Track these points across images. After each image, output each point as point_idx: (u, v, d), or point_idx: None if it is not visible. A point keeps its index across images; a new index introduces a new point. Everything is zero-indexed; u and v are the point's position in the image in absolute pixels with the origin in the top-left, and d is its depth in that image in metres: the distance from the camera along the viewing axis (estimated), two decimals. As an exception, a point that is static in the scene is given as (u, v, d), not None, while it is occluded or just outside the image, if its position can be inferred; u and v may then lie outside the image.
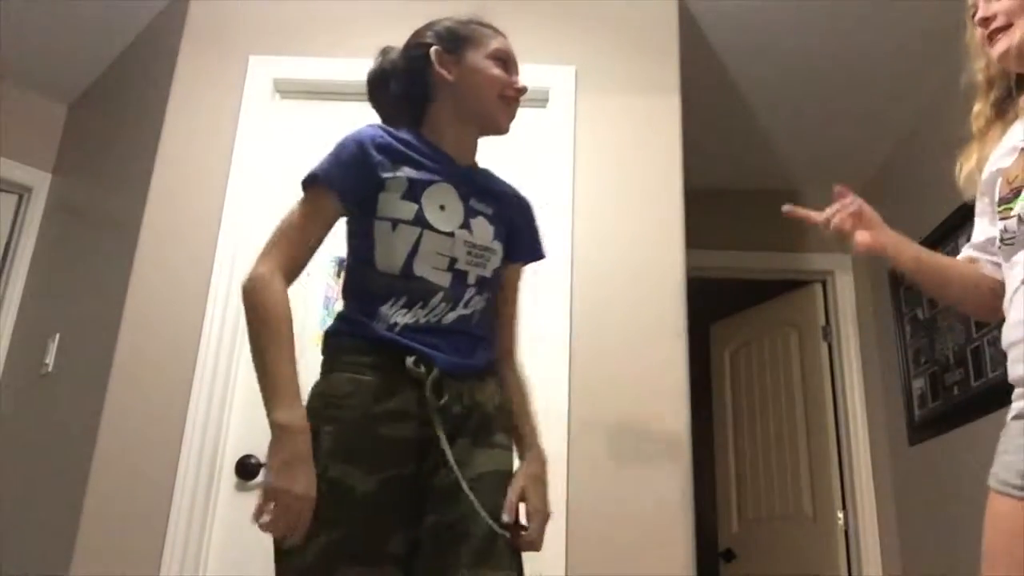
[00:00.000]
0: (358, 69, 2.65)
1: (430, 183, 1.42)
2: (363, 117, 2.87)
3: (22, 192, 3.26)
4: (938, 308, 3.16)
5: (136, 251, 2.42)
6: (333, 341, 1.39)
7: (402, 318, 1.35)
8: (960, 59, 1.63)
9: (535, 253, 1.61)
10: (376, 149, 1.41)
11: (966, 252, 1.56)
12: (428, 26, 1.55)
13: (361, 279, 1.41)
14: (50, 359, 2.74)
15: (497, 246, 1.48)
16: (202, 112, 2.58)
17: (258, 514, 1.22)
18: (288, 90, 2.64)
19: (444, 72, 1.49)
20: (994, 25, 1.39)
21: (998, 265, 1.43)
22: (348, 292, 1.43)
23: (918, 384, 3.30)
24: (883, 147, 3.62)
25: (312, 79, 2.63)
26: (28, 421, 2.77)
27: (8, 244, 3.20)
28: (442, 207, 1.42)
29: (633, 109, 2.61)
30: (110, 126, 3.03)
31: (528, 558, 1.34)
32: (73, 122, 3.38)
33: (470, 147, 1.54)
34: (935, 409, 3.16)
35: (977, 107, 1.52)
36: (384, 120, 1.56)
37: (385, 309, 1.35)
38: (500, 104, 1.49)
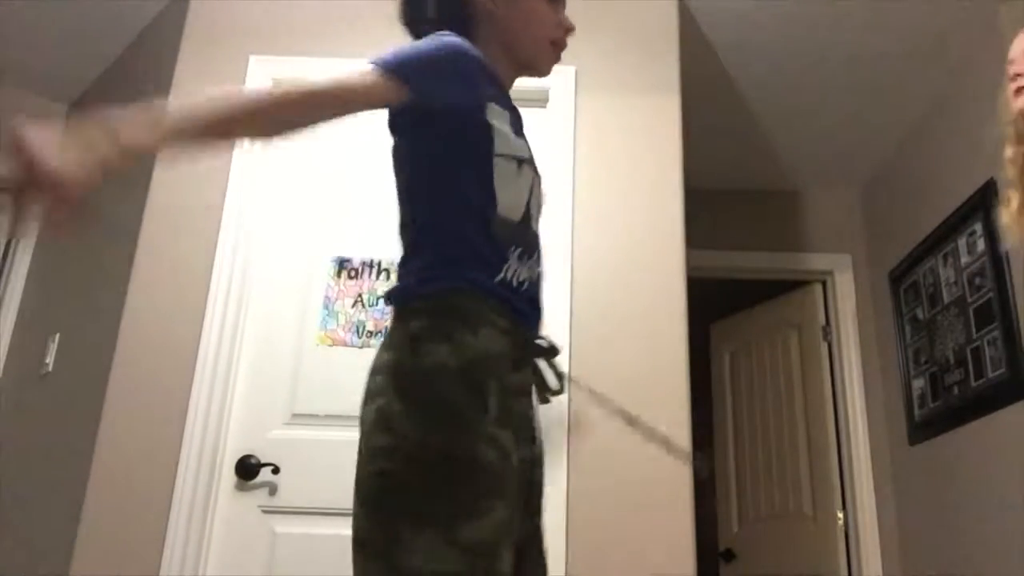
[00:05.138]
0: (358, 69, 2.68)
1: (519, 118, 1.25)
2: (362, 117, 2.86)
3: (22, 192, 3.26)
4: (938, 308, 3.16)
5: (136, 251, 2.42)
6: (469, 295, 1.12)
7: (520, 276, 1.16)
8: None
9: None
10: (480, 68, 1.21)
11: None
12: None
13: (468, 226, 1.15)
14: (50, 359, 2.74)
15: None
16: (202, 112, 2.57)
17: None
18: (288, 90, 2.64)
19: (488, 1, 1.30)
20: (1021, 82, 1.42)
21: None
22: (453, 242, 1.15)
23: (918, 384, 3.30)
24: (883, 147, 3.62)
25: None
26: (28, 421, 2.77)
27: (8, 244, 3.20)
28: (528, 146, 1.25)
29: (633, 109, 2.61)
30: (110, 126, 3.03)
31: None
32: (73, 122, 3.38)
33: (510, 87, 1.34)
34: (935, 409, 3.16)
35: (1009, 152, 1.53)
36: None
37: (507, 265, 1.15)
38: (550, 50, 1.32)
